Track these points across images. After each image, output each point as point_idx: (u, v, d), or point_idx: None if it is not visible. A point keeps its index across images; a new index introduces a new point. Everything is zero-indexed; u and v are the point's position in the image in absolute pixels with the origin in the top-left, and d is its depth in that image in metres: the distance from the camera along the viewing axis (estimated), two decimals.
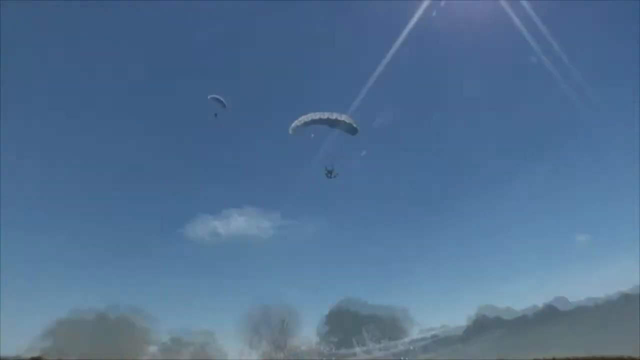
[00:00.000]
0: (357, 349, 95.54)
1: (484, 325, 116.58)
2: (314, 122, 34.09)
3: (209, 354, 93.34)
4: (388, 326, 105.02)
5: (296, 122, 34.75)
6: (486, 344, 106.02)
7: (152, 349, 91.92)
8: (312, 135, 35.86)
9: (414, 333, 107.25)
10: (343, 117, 33.81)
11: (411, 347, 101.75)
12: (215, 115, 44.64)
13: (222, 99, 44.76)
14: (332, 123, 33.95)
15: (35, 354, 74.02)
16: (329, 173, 37.35)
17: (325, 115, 33.43)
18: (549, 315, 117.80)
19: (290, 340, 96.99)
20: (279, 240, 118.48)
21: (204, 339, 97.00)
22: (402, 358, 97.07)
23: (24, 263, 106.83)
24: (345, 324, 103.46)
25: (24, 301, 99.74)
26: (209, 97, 44.59)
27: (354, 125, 34.23)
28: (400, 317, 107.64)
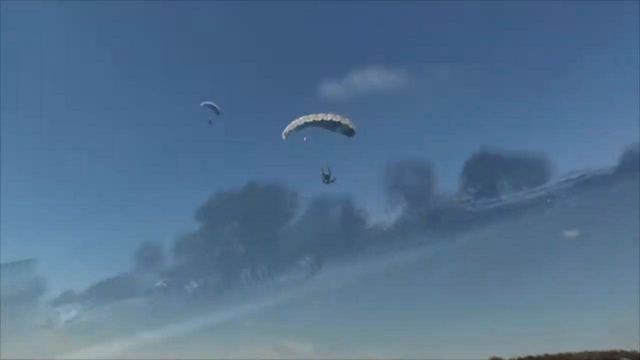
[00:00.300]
0: (498, 198, 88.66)
1: (635, 165, 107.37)
2: (308, 125, 29.92)
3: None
4: (528, 172, 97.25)
5: (289, 127, 30.55)
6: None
7: (300, 211, 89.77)
8: (305, 138, 31.80)
9: (557, 177, 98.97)
10: (338, 118, 29.46)
11: (556, 191, 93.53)
12: (210, 122, 43.12)
13: (215, 104, 41.90)
14: (329, 125, 29.66)
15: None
16: (326, 178, 33.62)
17: (320, 117, 29.11)
18: None
19: (429, 193, 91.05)
20: (409, 94, 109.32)
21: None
22: (548, 201, 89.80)
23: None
24: (483, 174, 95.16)
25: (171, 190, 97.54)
26: (201, 104, 41.86)
27: (351, 127, 29.95)
28: (540, 161, 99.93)
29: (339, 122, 29.32)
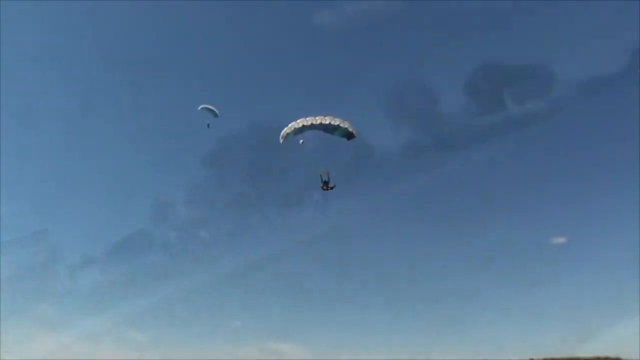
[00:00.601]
0: (501, 114, 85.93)
1: None
2: (306, 128, 28.67)
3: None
4: (531, 84, 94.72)
5: (286, 130, 29.24)
6: None
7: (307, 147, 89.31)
8: (301, 141, 30.57)
9: (561, 87, 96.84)
10: (337, 122, 28.21)
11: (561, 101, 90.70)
12: (208, 125, 42.26)
13: (213, 107, 40.96)
14: (328, 128, 28.44)
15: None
16: (325, 185, 32.26)
17: (318, 120, 27.81)
18: None
19: (434, 113, 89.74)
20: (403, 15, 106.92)
21: None
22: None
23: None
24: (484, 91, 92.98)
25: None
26: (199, 108, 41.00)
27: (350, 130, 28.71)
28: (542, 71, 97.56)
29: (338, 126, 28.05)
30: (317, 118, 27.72)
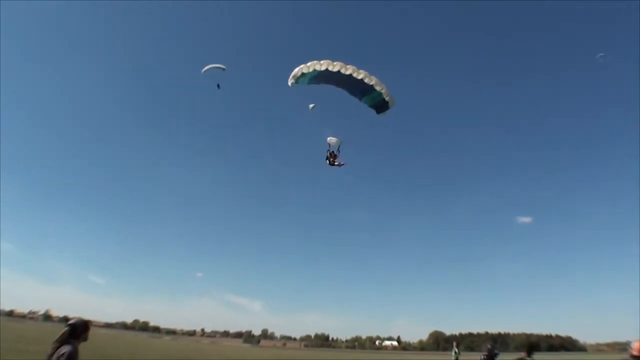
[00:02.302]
0: None
1: None
2: (324, 77, 19.19)
3: None
4: None
5: (302, 68, 19.52)
6: None
7: None
8: (312, 105, 21.58)
9: None
10: (372, 81, 18.57)
11: None
12: (218, 86, 35.70)
13: (217, 65, 33.98)
14: (356, 87, 18.87)
15: None
16: (332, 157, 23.79)
17: (349, 70, 18.18)
18: None
19: None
20: None
21: None
22: None
23: None
24: None
25: None
26: (203, 70, 34.16)
27: (386, 98, 19.18)
28: None
29: (372, 87, 18.60)
30: (348, 67, 18.11)
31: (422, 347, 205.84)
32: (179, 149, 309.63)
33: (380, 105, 19.66)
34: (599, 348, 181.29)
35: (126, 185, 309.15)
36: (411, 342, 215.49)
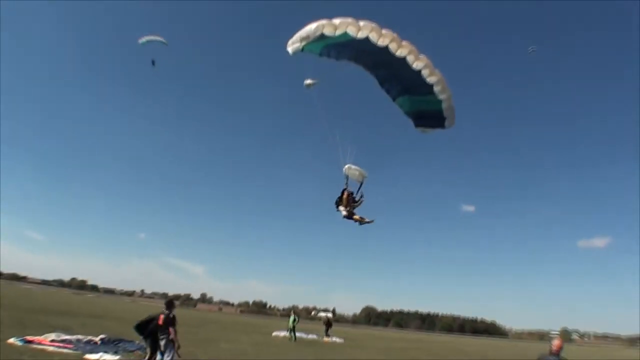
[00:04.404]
0: None
1: None
2: (358, 49, 11.99)
3: None
4: None
5: (323, 27, 12.11)
6: None
7: None
8: (310, 82, 14.04)
9: None
10: (435, 80, 11.52)
11: None
12: (153, 62, 33.29)
13: (158, 38, 30.91)
14: (403, 79, 12.09)
15: None
16: (350, 207, 16.49)
17: (405, 49, 11.03)
18: None
19: None
20: None
21: None
22: None
23: None
24: None
25: None
26: (140, 41, 30.42)
27: (446, 112, 12.18)
28: None
29: (429, 88, 11.66)
30: (403, 44, 11.06)
31: (354, 320, 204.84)
32: (123, 112, 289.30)
33: (432, 117, 12.81)
34: (520, 335, 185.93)
35: (69, 142, 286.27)
36: (345, 315, 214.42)
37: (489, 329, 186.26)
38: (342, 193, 15.53)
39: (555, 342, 9.69)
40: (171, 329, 13.06)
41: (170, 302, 13.99)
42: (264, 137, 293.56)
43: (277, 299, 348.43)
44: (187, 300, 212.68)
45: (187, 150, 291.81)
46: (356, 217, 14.96)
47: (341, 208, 15.39)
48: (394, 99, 13.33)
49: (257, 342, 31.81)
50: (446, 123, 12.97)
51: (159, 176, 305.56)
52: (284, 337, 38.99)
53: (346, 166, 15.33)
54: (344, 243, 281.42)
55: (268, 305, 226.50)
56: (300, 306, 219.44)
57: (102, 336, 19.63)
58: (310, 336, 42.72)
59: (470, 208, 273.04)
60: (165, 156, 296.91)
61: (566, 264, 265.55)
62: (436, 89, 11.74)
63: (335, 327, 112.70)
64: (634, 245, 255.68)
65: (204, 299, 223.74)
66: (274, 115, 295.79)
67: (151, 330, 13.32)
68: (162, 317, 13.22)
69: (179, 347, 13.29)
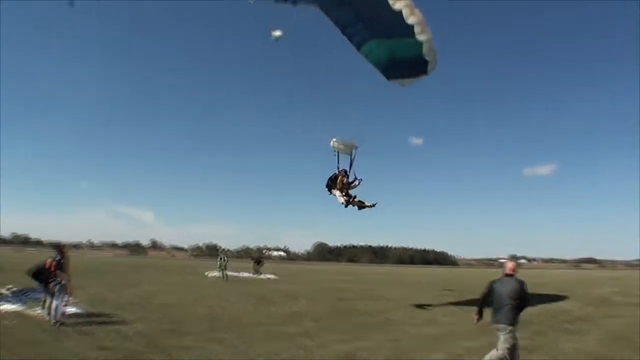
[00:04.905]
0: None
1: None
2: None
3: None
4: None
5: None
6: None
7: None
8: (278, 34, 11.54)
9: None
10: (416, 20, 9.30)
11: None
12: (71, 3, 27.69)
13: None
14: (377, 21, 9.80)
15: None
16: (345, 186, 14.72)
17: None
18: None
19: None
20: None
21: None
22: None
23: None
24: None
25: None
26: None
27: (426, 56, 10.04)
28: None
29: (409, 29, 9.33)
30: None
31: (307, 257, 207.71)
32: (56, 48, 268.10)
33: (411, 64, 10.67)
34: (469, 263, 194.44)
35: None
36: (298, 252, 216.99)
37: (439, 259, 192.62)
38: (336, 176, 14.00)
39: (509, 265, 9.56)
40: (60, 273, 13.22)
41: (58, 246, 14.32)
42: (209, 76, 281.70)
43: (230, 241, 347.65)
44: (136, 248, 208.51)
45: (120, 88, 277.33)
46: (356, 201, 13.52)
47: (336, 193, 14.21)
48: (359, 47, 10.89)
49: (178, 282, 32.61)
50: (429, 67, 11.04)
51: (95, 120, 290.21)
52: (215, 277, 39.42)
53: (332, 141, 13.59)
54: (294, 180, 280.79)
55: (220, 248, 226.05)
56: (252, 246, 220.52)
57: (9, 287, 19.18)
58: (244, 274, 43.37)
59: (419, 140, 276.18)
60: (100, 97, 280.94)
61: (512, 191, 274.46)
62: (417, 30, 9.42)
63: (286, 265, 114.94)
64: (579, 173, 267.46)
65: (154, 245, 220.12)
66: (218, 57, 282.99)
67: (44, 276, 13.48)
68: (49, 262, 13.41)
69: (70, 292, 13.43)
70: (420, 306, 21.99)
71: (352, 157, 14.19)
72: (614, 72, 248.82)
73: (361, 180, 14.91)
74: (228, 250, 73.86)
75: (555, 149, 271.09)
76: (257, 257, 49.94)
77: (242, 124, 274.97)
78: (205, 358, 9.99)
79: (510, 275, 9.35)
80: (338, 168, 15.21)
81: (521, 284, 9.17)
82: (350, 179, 14.51)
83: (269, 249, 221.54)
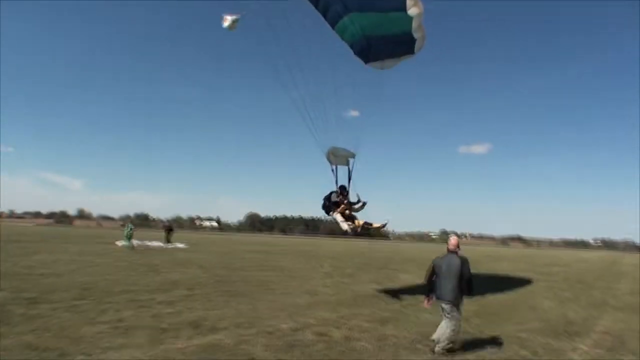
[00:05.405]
0: None
1: None
2: None
3: None
4: None
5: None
6: None
7: None
8: (232, 19, 10.44)
9: None
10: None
11: None
12: None
13: None
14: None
15: None
16: (346, 206, 13.17)
17: None
18: None
19: None
20: None
21: None
22: None
23: None
24: None
25: None
26: None
27: (415, 33, 9.65)
28: None
29: (400, 3, 9.06)
30: None
31: (239, 228, 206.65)
32: None
33: (396, 42, 10.15)
34: (400, 237, 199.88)
35: None
36: (230, 222, 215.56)
37: (371, 232, 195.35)
38: (337, 203, 12.86)
39: (452, 241, 9.50)
40: None
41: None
42: (135, 44, 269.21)
43: (161, 210, 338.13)
44: (62, 217, 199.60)
45: (55, 53, 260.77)
46: (361, 223, 12.49)
47: (337, 218, 12.77)
48: (334, 22, 10.36)
49: (79, 252, 31.71)
50: (416, 46, 10.45)
51: (21, 85, 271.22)
52: (123, 246, 38.64)
53: (329, 152, 12.60)
54: (227, 148, 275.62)
55: (151, 218, 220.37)
56: (184, 216, 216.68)
57: None
58: (155, 243, 42.95)
59: (355, 113, 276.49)
60: (29, 60, 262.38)
61: (447, 168, 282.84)
62: (409, 2, 9.05)
63: (211, 235, 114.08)
64: (512, 153, 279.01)
65: (82, 214, 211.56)
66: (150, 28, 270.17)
67: None
68: None
69: None
70: (312, 277, 22.53)
71: (350, 168, 12.96)
72: (548, 55, 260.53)
73: (365, 203, 13.33)
74: (162, 220, 75.51)
75: (490, 129, 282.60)
76: (167, 226, 49.59)
77: (176, 92, 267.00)
78: (43, 326, 9.86)
79: (453, 252, 9.35)
80: (337, 184, 13.37)
81: (463, 261, 9.17)
82: (352, 199, 13.08)
83: (201, 219, 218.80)
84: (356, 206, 13.34)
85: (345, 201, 13.03)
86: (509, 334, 11.13)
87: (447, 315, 9.13)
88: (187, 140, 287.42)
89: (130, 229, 39.40)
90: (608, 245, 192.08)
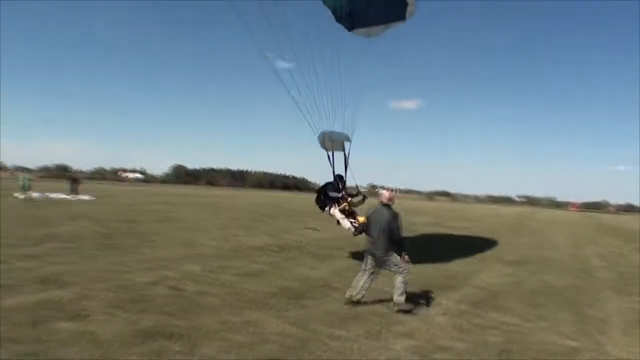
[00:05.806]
0: None
1: None
2: None
3: None
4: None
5: None
6: None
7: None
8: None
9: None
10: None
11: None
12: None
13: None
14: None
15: None
16: (345, 200, 11.63)
17: None
18: None
19: None
20: None
21: None
22: None
23: None
24: None
25: None
26: None
27: (410, 5, 8.89)
28: None
29: None
30: None
31: (165, 180, 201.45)
32: None
33: (386, 6, 9.32)
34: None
35: None
36: (155, 174, 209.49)
37: (299, 185, 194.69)
38: (338, 193, 11.56)
39: (385, 194, 9.18)
40: None
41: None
42: None
43: (81, 162, 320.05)
44: None
45: None
46: (353, 220, 11.29)
47: (337, 215, 11.52)
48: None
49: None
50: (407, 11, 9.65)
51: None
52: (21, 198, 36.46)
53: (324, 136, 11.56)
54: (151, 94, 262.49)
55: (71, 169, 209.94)
56: (108, 167, 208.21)
57: None
58: (59, 195, 40.90)
59: (287, 64, 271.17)
60: None
61: (377, 123, 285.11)
62: None
63: (143, 187, 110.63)
64: (442, 108, 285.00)
65: None
66: None
67: None
68: None
69: None
70: (204, 229, 22.32)
71: (347, 154, 11.74)
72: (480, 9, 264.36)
73: (365, 197, 12.15)
74: (79, 172, 74.33)
75: (421, 84, 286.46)
76: (72, 177, 47.71)
77: (104, 32, 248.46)
78: None
79: (387, 205, 9.12)
80: (334, 174, 12.07)
81: (394, 216, 8.99)
82: (349, 188, 11.90)
83: (125, 170, 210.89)
84: (355, 200, 12.17)
85: (349, 199, 11.90)
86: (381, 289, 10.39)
87: (369, 269, 9.12)
88: (110, 85, 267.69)
89: (27, 180, 38.08)
90: (531, 201, 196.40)
